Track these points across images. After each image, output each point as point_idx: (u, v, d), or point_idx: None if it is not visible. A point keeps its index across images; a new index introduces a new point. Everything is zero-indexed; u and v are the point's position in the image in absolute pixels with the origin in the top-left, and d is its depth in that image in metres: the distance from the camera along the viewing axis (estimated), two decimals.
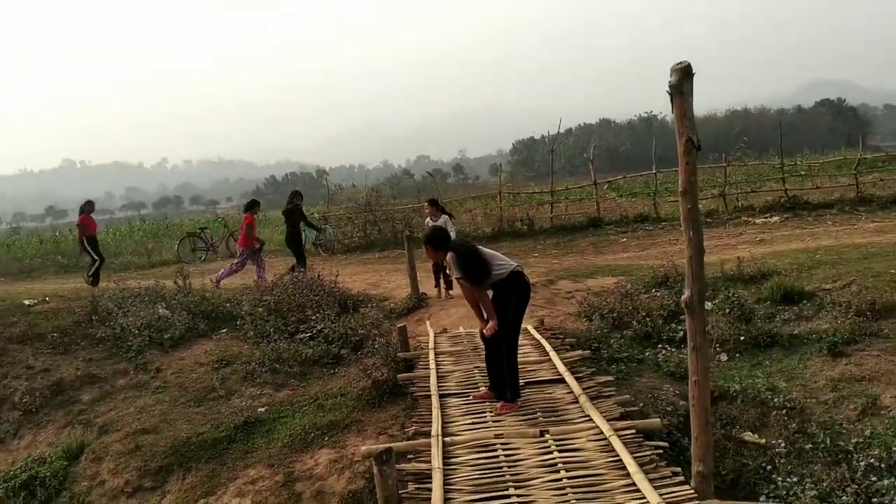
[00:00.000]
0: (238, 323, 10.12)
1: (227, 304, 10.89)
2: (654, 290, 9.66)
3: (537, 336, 8.20)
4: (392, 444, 5.44)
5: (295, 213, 13.64)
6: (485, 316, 6.23)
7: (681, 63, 4.09)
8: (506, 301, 6.10)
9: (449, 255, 6.09)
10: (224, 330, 10.13)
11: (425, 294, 11.21)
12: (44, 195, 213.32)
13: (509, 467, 5.08)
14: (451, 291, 10.98)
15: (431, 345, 8.35)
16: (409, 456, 5.49)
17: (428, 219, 11.00)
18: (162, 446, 7.00)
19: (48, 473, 7.04)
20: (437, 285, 11.23)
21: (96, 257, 14.46)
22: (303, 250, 14.14)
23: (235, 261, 13.43)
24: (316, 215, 21.25)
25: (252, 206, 13.62)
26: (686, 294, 4.40)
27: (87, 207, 14.85)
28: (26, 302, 11.81)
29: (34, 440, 7.95)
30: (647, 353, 7.82)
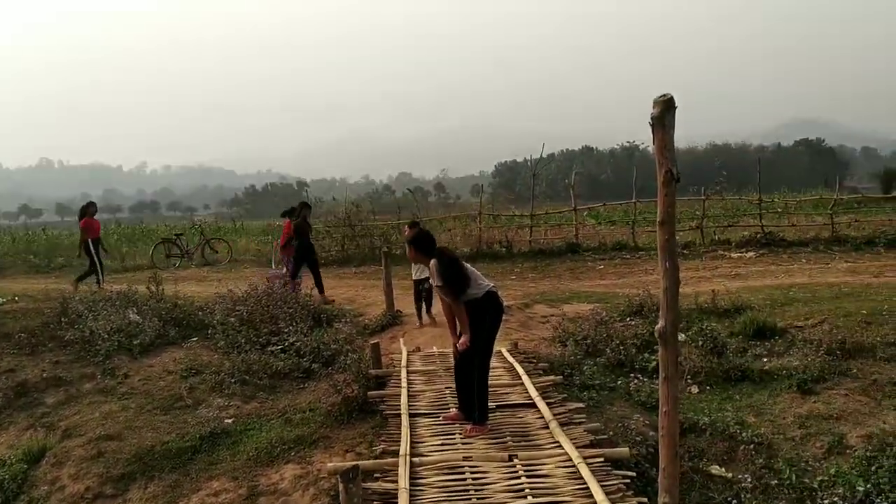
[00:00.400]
0: (209, 332, 10.00)
1: (200, 313, 10.78)
2: (628, 319, 9.71)
3: (510, 359, 8.19)
4: (359, 462, 5.40)
5: (304, 226, 13.30)
6: (458, 332, 6.22)
7: (663, 96, 4.12)
8: (479, 321, 6.10)
9: (432, 262, 6.07)
10: (195, 338, 10.02)
11: (400, 312, 11.16)
12: (18, 193, 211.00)
13: (476, 491, 5.05)
14: (431, 311, 10.65)
15: (404, 363, 8.31)
16: (375, 475, 5.44)
17: None
18: (125, 453, 6.88)
19: (7, 476, 6.88)
20: (420, 315, 10.74)
21: (98, 262, 14.09)
22: (315, 262, 13.48)
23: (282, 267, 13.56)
24: None
25: (289, 213, 13.65)
26: (660, 324, 4.40)
27: (91, 209, 14.37)
28: None
29: None
30: (620, 382, 7.82)
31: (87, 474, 6.71)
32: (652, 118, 4.15)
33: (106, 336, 9.50)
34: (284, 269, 13.56)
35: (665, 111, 4.12)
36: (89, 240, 14.03)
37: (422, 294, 10.59)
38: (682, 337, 8.55)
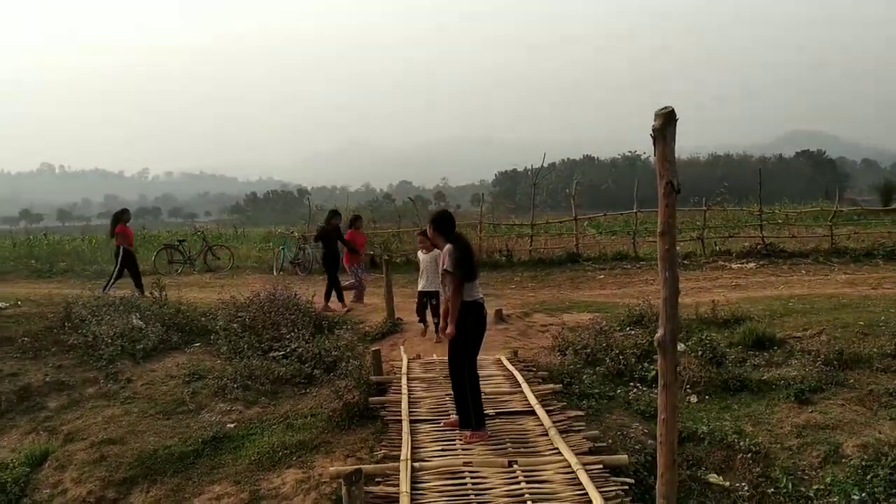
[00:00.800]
0: (212, 338, 10.05)
1: (202, 318, 10.84)
2: (628, 329, 9.74)
3: (510, 367, 8.23)
4: (362, 466, 5.45)
5: (332, 233, 13.25)
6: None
7: (665, 108, 4.18)
8: (464, 323, 6.15)
9: (448, 246, 6.11)
10: (197, 344, 10.08)
11: (401, 319, 11.20)
12: (19, 198, 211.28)
13: (476, 496, 5.09)
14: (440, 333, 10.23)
15: (404, 370, 8.36)
16: (377, 479, 5.49)
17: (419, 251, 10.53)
18: (128, 457, 6.94)
19: (9, 479, 6.93)
20: (424, 321, 10.53)
21: (129, 272, 13.75)
22: (335, 273, 13.20)
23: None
24: (296, 234, 21.29)
25: (351, 223, 13.82)
26: (659, 333, 4.45)
27: (125, 217, 14.04)
28: None
29: None
30: (619, 391, 7.87)
31: (90, 478, 6.76)
32: (653, 130, 4.22)
33: (109, 341, 9.56)
34: (353, 279, 13.64)
35: (666, 123, 4.19)
36: (121, 247, 13.67)
37: (426, 305, 10.38)
38: (681, 347, 8.59)
